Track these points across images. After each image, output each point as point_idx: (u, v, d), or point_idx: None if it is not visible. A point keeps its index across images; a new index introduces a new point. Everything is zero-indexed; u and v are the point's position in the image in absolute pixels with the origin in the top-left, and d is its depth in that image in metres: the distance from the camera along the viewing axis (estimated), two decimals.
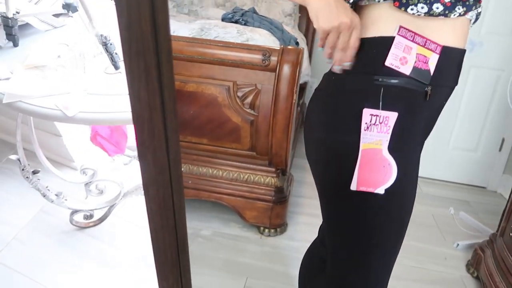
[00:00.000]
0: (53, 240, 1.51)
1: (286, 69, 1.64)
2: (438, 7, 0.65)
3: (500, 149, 2.61)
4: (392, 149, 0.68)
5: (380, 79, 0.67)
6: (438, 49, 0.67)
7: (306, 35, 2.98)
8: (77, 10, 0.79)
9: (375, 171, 0.68)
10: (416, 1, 0.65)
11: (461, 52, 0.72)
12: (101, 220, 1.55)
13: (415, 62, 0.67)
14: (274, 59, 1.64)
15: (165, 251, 0.54)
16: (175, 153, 0.48)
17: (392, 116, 0.67)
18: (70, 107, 0.73)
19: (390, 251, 0.77)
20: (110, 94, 0.78)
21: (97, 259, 1.45)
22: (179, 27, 1.96)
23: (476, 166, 2.67)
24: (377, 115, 0.67)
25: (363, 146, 0.68)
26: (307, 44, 2.88)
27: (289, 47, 1.69)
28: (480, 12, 0.71)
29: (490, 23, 2.36)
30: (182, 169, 1.94)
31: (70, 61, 0.82)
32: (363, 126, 0.67)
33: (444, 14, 0.65)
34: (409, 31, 0.66)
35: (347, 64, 0.70)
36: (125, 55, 0.41)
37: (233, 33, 1.89)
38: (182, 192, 0.52)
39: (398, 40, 0.66)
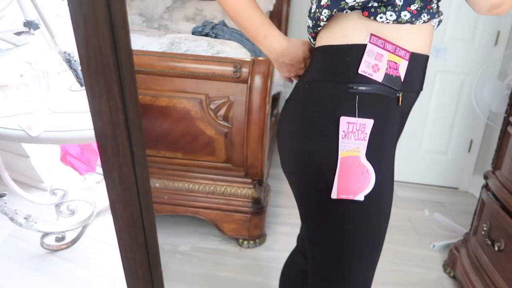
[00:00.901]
0: (23, 266, 1.44)
1: (257, 80, 1.65)
2: (405, 15, 0.67)
3: (469, 150, 2.69)
4: (369, 155, 0.69)
5: (355, 87, 0.68)
6: (407, 56, 0.69)
7: None
8: (39, 28, 0.77)
9: (354, 178, 0.69)
10: (385, 10, 0.66)
11: (426, 58, 0.75)
12: (74, 241, 1.50)
13: (387, 69, 0.68)
14: (245, 70, 1.65)
15: (136, 270, 0.53)
16: (142, 169, 0.47)
17: (368, 123, 0.68)
18: (34, 126, 0.71)
19: (370, 259, 0.77)
20: (76, 112, 0.76)
21: (71, 283, 1.40)
22: (149, 41, 1.94)
23: (447, 167, 2.75)
24: (353, 123, 0.68)
25: (342, 154, 0.68)
26: None
27: (260, 58, 1.70)
28: (441, 20, 0.74)
29: (452, 30, 2.46)
30: (157, 184, 1.91)
31: (33, 80, 0.80)
32: (341, 134, 0.68)
33: (411, 21, 0.67)
34: (380, 38, 0.68)
35: None
36: (84, 71, 0.40)
37: (203, 46, 1.89)
38: (152, 209, 0.51)
39: (370, 47, 0.67)
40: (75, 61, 0.78)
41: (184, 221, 2.01)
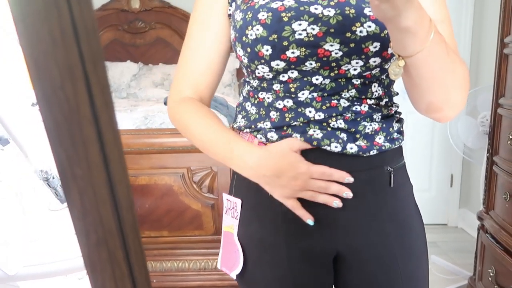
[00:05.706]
0: None
1: None
2: (272, 136, 0.65)
3: (451, 185, 2.71)
4: (239, 236, 0.67)
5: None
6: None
7: None
8: (9, 142, 0.69)
9: (230, 254, 0.70)
10: (256, 134, 0.66)
11: (322, 151, 0.62)
12: None
13: None
14: None
15: None
16: None
17: (238, 202, 0.67)
18: (10, 262, 0.61)
19: None
20: (59, 238, 0.68)
21: None
22: (121, 118, 1.88)
23: (433, 204, 2.74)
24: (229, 200, 0.69)
25: (224, 228, 0.71)
26: None
27: None
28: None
29: None
30: None
31: (5, 202, 0.71)
32: (224, 209, 0.70)
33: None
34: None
35: (347, 194, 0.60)
36: (82, 247, 0.34)
37: None
38: None
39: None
40: (53, 178, 0.70)
41: None
